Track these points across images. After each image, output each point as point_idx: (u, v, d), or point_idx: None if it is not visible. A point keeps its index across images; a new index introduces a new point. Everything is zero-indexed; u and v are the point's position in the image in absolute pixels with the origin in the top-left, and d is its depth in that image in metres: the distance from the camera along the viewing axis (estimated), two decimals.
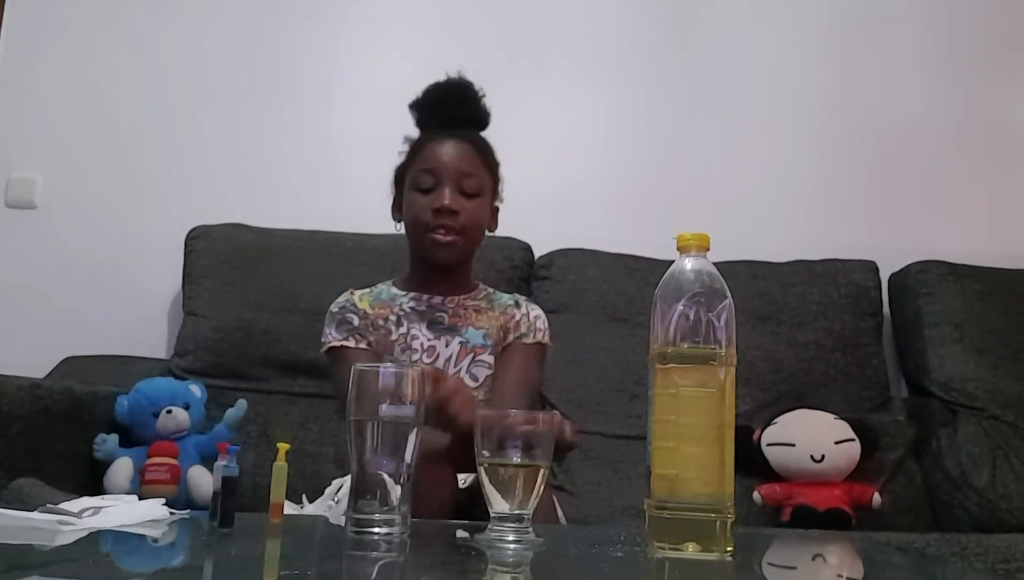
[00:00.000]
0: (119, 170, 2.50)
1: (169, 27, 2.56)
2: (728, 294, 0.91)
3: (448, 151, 1.56)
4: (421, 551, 0.95)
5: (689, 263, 0.92)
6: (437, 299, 1.60)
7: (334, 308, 1.59)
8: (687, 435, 0.88)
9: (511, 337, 1.59)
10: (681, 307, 0.89)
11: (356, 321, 1.56)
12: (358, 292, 1.62)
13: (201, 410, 2.01)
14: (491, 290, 1.68)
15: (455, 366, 1.56)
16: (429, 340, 1.57)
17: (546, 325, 1.63)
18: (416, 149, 1.60)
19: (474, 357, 1.57)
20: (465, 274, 1.65)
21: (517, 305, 1.64)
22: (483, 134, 1.63)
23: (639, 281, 2.24)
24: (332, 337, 1.56)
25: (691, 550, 0.86)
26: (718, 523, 0.86)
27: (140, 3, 2.58)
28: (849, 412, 2.12)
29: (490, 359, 1.58)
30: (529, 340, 1.59)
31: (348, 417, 0.95)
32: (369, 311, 1.58)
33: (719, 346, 0.89)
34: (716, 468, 0.87)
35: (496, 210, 1.65)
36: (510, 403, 1.45)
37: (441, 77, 1.60)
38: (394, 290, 1.63)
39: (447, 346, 1.57)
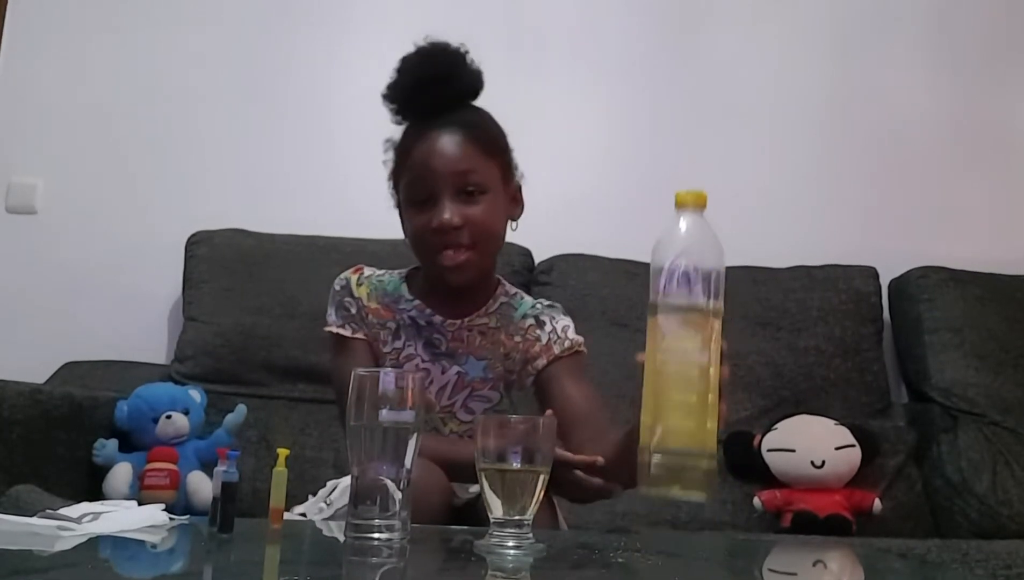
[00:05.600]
0: (120, 175, 2.50)
1: (169, 33, 2.57)
2: (721, 249, 0.93)
3: (438, 151, 1.33)
4: (421, 557, 0.95)
5: (685, 219, 0.94)
6: (437, 319, 1.42)
7: (336, 285, 1.45)
8: (672, 383, 0.90)
9: (541, 361, 1.40)
10: (673, 260, 0.92)
11: (353, 309, 1.42)
12: (366, 271, 1.46)
13: (201, 415, 2.01)
14: (511, 295, 1.47)
15: (450, 397, 1.42)
16: (424, 361, 1.42)
17: (576, 334, 1.44)
18: (402, 153, 1.38)
19: (472, 391, 1.42)
20: (480, 285, 1.44)
21: (539, 322, 1.43)
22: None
23: (639, 286, 2.20)
24: (332, 320, 1.43)
25: (676, 492, 0.90)
26: (702, 469, 0.89)
27: (140, 9, 2.58)
28: (849, 418, 2.12)
29: (490, 393, 1.43)
30: (567, 354, 1.41)
31: (347, 422, 0.94)
32: (366, 303, 1.42)
33: (708, 298, 0.91)
34: (700, 416, 0.90)
35: (517, 191, 1.43)
36: (598, 423, 1.32)
37: (410, 51, 1.37)
38: (403, 289, 1.45)
39: (443, 373, 1.42)
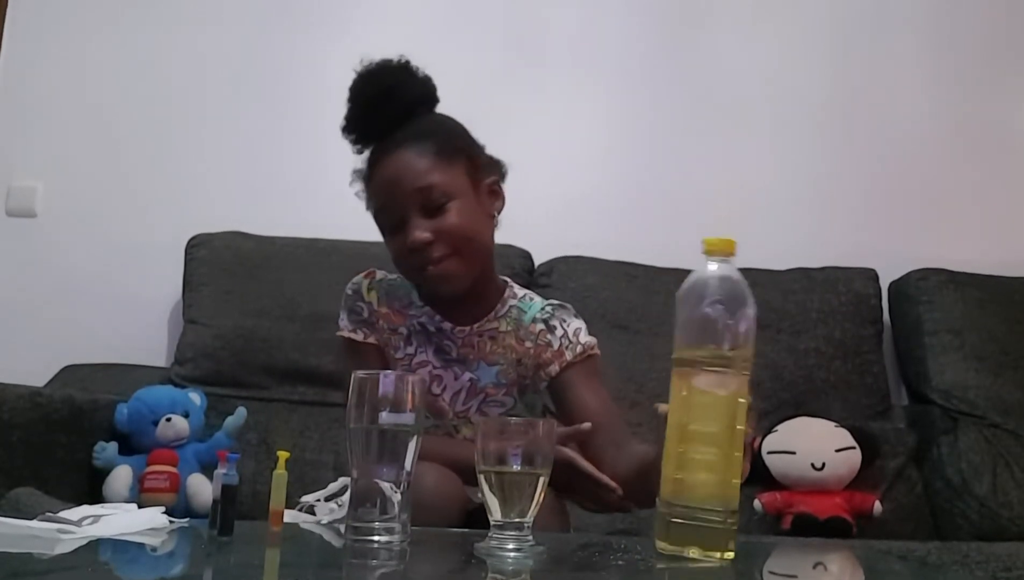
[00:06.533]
0: (119, 178, 2.50)
1: (169, 36, 2.57)
2: (750, 301, 0.90)
3: (394, 175, 1.32)
4: (421, 559, 0.95)
5: (713, 268, 0.92)
6: (447, 325, 1.41)
7: (348, 290, 1.45)
8: (696, 439, 0.88)
9: (554, 367, 1.39)
10: (699, 311, 0.89)
11: (365, 313, 1.42)
12: (378, 275, 1.45)
13: (201, 418, 2.01)
14: (519, 297, 1.45)
15: (464, 403, 1.41)
16: (436, 368, 1.41)
17: (588, 335, 1.42)
18: (367, 182, 1.39)
19: (485, 397, 1.41)
20: (484, 285, 1.42)
21: (549, 327, 1.41)
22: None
23: (639, 288, 2.24)
24: (344, 324, 1.43)
25: (694, 552, 0.86)
26: (722, 528, 0.87)
27: (140, 12, 2.59)
28: (850, 420, 2.12)
29: (504, 398, 1.41)
30: (579, 359, 1.40)
31: (347, 424, 0.94)
32: (377, 307, 1.42)
33: (735, 352, 0.88)
34: (724, 473, 0.87)
35: (491, 186, 1.39)
36: (613, 430, 1.31)
37: (354, 79, 1.37)
38: (414, 295, 1.44)
39: (456, 379, 1.41)
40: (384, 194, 1.35)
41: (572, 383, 1.39)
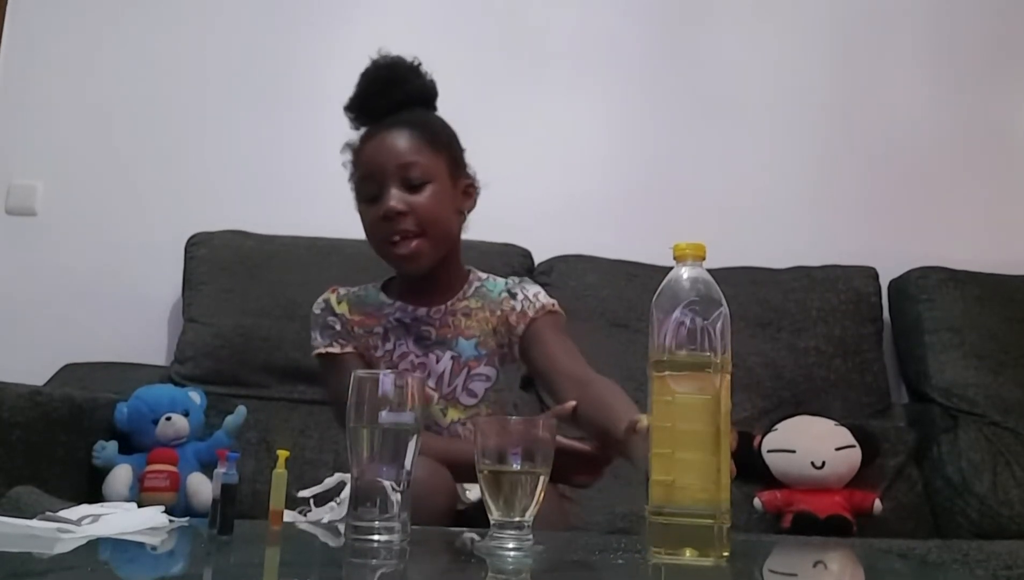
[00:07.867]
0: (119, 177, 2.50)
1: (169, 35, 2.57)
2: (723, 302, 0.91)
3: (382, 147, 1.42)
4: (421, 558, 0.95)
5: (685, 272, 0.92)
6: (422, 311, 1.47)
7: (315, 309, 1.50)
8: (683, 442, 0.88)
9: (520, 327, 1.46)
10: (676, 315, 0.90)
11: (337, 325, 1.48)
12: (342, 290, 1.52)
13: (200, 417, 2.01)
14: (483, 279, 1.54)
15: (450, 383, 1.46)
16: (418, 356, 1.46)
17: (548, 297, 1.50)
18: (355, 153, 1.48)
19: (469, 371, 1.46)
20: (451, 272, 1.51)
21: (511, 295, 1.49)
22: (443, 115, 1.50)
23: (639, 287, 2.24)
24: (318, 342, 1.48)
25: (688, 555, 0.86)
26: (715, 529, 0.87)
27: (140, 11, 2.59)
28: (849, 418, 2.12)
29: (487, 370, 1.47)
30: (540, 314, 1.47)
31: (347, 424, 0.94)
32: (349, 316, 1.48)
33: (714, 353, 0.89)
34: (712, 474, 0.88)
35: (469, 185, 1.49)
36: (577, 371, 1.38)
37: (368, 65, 1.47)
38: (382, 297, 1.51)
39: (438, 362, 1.46)
40: (370, 164, 1.43)
41: (536, 336, 1.46)
